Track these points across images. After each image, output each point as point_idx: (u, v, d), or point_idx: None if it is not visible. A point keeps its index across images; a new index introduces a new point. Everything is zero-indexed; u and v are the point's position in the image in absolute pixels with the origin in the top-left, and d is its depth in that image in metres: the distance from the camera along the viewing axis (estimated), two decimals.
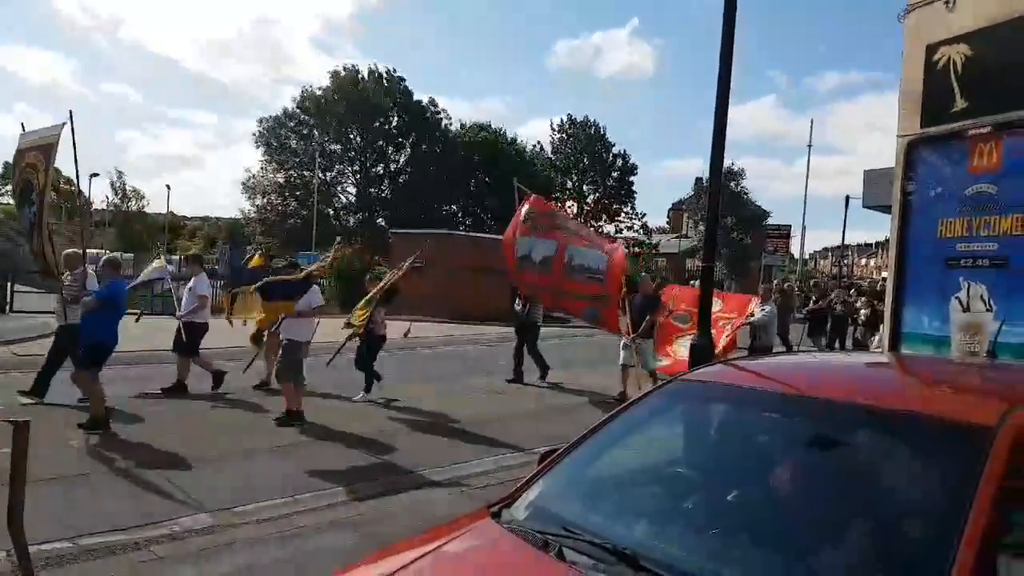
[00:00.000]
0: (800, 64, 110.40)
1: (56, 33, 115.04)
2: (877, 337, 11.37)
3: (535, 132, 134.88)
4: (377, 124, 43.71)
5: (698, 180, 46.86)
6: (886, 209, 6.77)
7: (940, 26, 5.42)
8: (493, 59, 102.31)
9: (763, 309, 11.23)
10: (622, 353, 10.63)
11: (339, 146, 44.29)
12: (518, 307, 12.07)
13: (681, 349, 11.06)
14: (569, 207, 48.02)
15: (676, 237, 48.80)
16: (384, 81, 44.13)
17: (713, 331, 10.76)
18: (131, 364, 11.43)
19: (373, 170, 45.11)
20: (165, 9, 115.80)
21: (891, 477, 2.43)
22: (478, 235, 31.93)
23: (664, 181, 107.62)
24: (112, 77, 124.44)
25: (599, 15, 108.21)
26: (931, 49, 5.44)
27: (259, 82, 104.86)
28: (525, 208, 10.80)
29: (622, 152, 47.41)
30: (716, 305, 11.62)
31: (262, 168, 45.17)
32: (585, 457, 2.81)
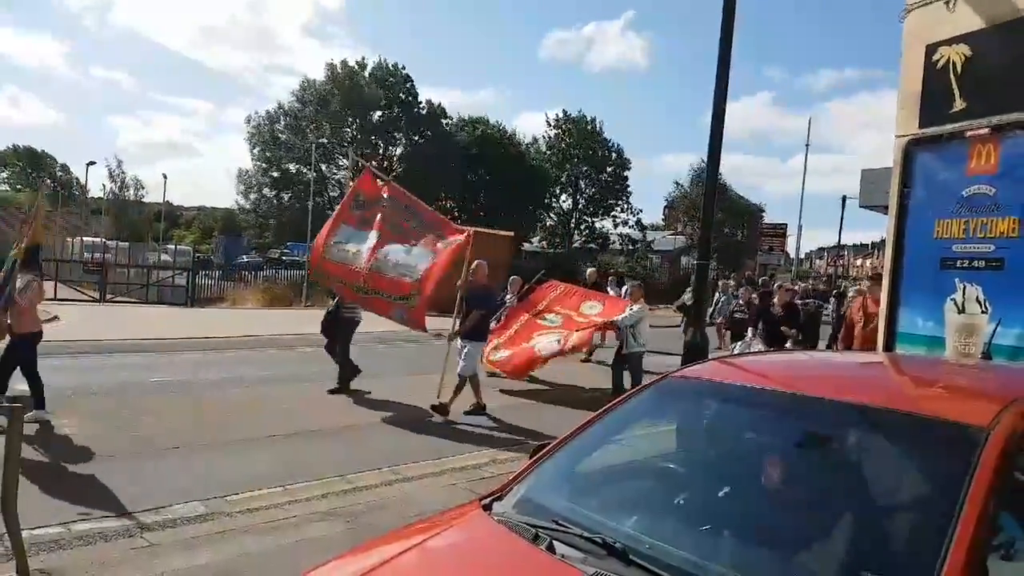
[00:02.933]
0: (796, 61, 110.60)
1: (47, 16, 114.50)
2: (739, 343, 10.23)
3: (527, 125, 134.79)
4: (372, 118, 43.57)
5: (676, 184, 47.21)
6: (883, 209, 6.79)
7: (940, 26, 5.41)
8: (485, 49, 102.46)
9: (631, 309, 10.26)
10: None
11: (334, 140, 44.11)
12: (331, 302, 10.32)
13: (538, 343, 10.57)
14: (564, 201, 47.93)
15: (671, 234, 48.79)
16: (385, 72, 43.97)
17: (576, 333, 10.50)
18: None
19: (369, 163, 45.06)
20: None
21: (883, 476, 2.43)
22: (472, 228, 31.90)
23: (659, 176, 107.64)
24: (103, 62, 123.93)
25: (593, 6, 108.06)
26: (931, 49, 5.43)
27: (251, 69, 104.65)
28: (357, 190, 9.60)
29: (616, 146, 47.36)
30: (594, 308, 11.31)
31: (255, 163, 44.96)
32: (577, 451, 2.82)
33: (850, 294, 13.45)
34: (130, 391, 8.84)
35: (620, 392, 9.64)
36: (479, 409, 8.76)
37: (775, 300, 10.02)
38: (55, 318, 15.91)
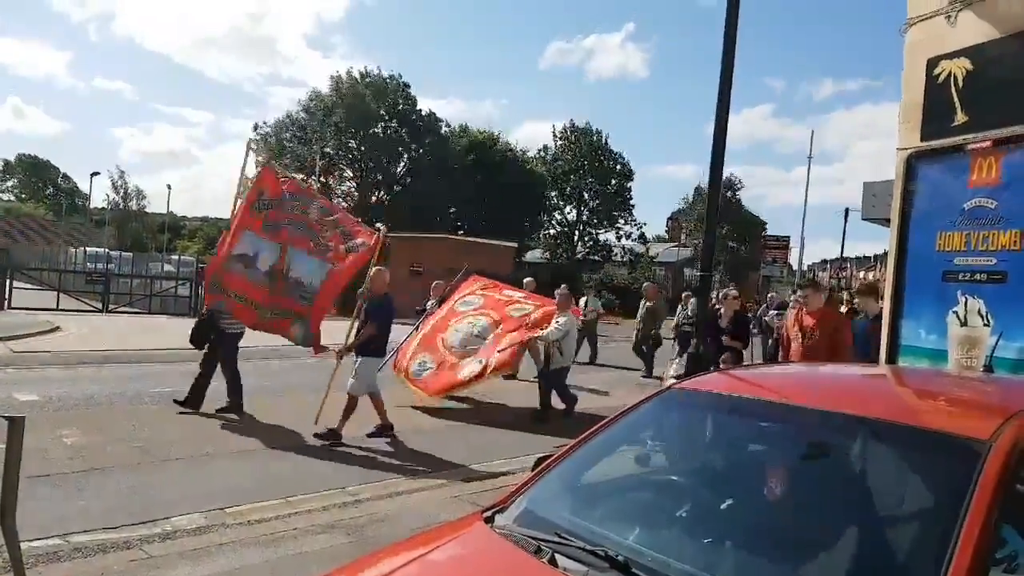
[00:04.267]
0: (797, 72, 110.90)
1: (49, 27, 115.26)
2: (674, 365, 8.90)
3: (530, 135, 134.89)
4: (376, 130, 43.74)
5: (697, 189, 46.84)
6: (885, 222, 6.80)
7: (941, 40, 5.44)
8: (487, 60, 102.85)
9: (557, 322, 9.39)
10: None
11: (339, 151, 44.27)
12: (203, 311, 9.13)
13: (462, 365, 9.56)
14: (568, 212, 47.96)
15: (674, 246, 48.82)
16: (387, 85, 44.14)
17: (497, 354, 9.40)
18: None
19: (373, 176, 45.16)
20: (158, 4, 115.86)
21: (885, 489, 2.43)
22: (473, 239, 32.00)
23: (661, 187, 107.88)
24: (105, 72, 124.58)
25: (594, 19, 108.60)
26: (932, 63, 5.46)
27: (253, 80, 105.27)
28: (259, 189, 8.41)
29: (620, 158, 47.47)
30: (523, 310, 10.24)
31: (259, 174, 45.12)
32: (579, 463, 2.81)
33: (791, 305, 11.86)
34: (131, 401, 8.84)
35: (547, 410, 9.49)
36: (384, 430, 7.92)
37: (721, 311, 9.14)
38: (57, 328, 15.98)
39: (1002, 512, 1.88)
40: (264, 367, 11.72)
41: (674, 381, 6.52)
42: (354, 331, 7.96)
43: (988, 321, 4.77)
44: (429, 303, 11.67)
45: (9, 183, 76.89)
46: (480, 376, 9.39)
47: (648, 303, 14.79)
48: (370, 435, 7.80)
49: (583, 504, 2.70)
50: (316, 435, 7.51)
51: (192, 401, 8.43)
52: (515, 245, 33.55)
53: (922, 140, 5.50)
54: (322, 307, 7.95)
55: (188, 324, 9.45)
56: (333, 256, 7.98)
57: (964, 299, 4.92)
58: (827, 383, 3.16)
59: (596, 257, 46.88)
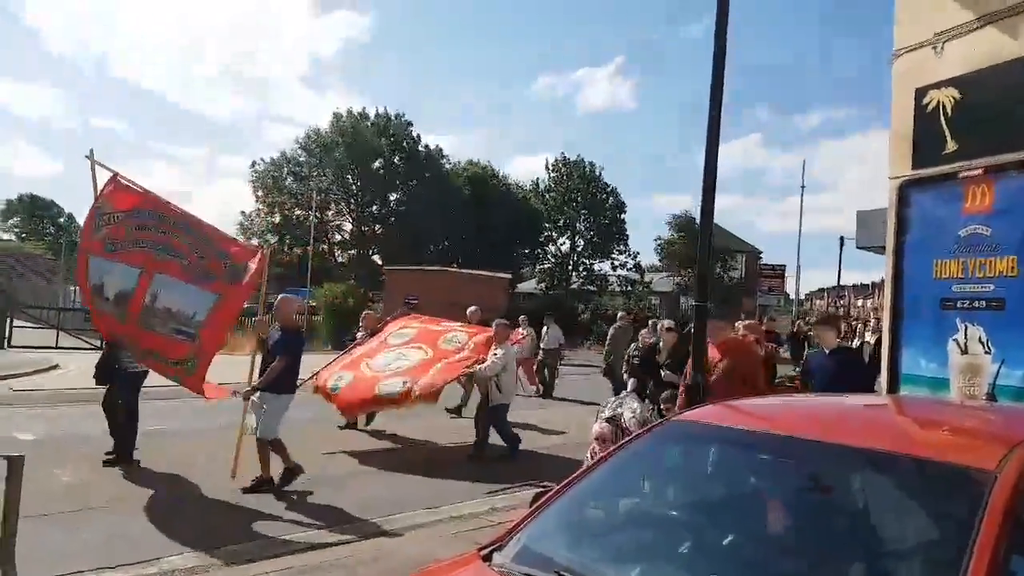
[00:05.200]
0: (786, 101, 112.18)
1: (46, 69, 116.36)
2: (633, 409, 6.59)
3: (520, 167, 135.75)
4: (375, 166, 44.13)
5: (666, 233, 46.28)
6: (880, 250, 6.80)
7: (929, 70, 5.51)
8: (476, 94, 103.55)
9: (495, 355, 8.64)
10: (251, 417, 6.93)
11: (336, 186, 44.59)
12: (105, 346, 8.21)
13: (382, 382, 8.63)
14: (561, 244, 48.14)
15: (668, 276, 48.85)
16: (386, 121, 44.66)
17: (423, 379, 8.52)
18: None
19: (368, 209, 45.40)
20: (154, 45, 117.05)
21: (889, 521, 2.39)
22: (468, 271, 32.06)
23: (654, 217, 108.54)
24: (102, 112, 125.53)
25: (583, 53, 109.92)
26: (920, 92, 5.52)
27: (248, 118, 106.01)
28: (99, 204, 7.20)
29: (613, 190, 47.82)
30: (455, 341, 9.47)
31: (257, 209, 45.36)
32: (578, 498, 2.77)
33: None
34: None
35: (482, 449, 8.72)
36: (291, 475, 6.98)
37: (659, 343, 8.55)
38: (56, 366, 15.86)
39: (1010, 543, 1.84)
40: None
41: (605, 426, 6.25)
42: (257, 367, 7.06)
43: (989, 349, 4.75)
44: (359, 334, 10.96)
45: (10, 222, 77.17)
46: (401, 400, 8.42)
47: (616, 326, 14.01)
48: (278, 483, 6.88)
49: (582, 540, 2.65)
50: (244, 489, 6.70)
51: (123, 452, 7.45)
52: (509, 276, 33.58)
53: (913, 168, 5.54)
54: (215, 342, 6.91)
55: None
56: (218, 285, 6.79)
57: (964, 327, 4.90)
58: (829, 414, 3.12)
59: (591, 287, 46.92)
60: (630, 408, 6.66)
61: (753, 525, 2.56)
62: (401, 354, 9.31)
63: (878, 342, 12.41)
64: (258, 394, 6.87)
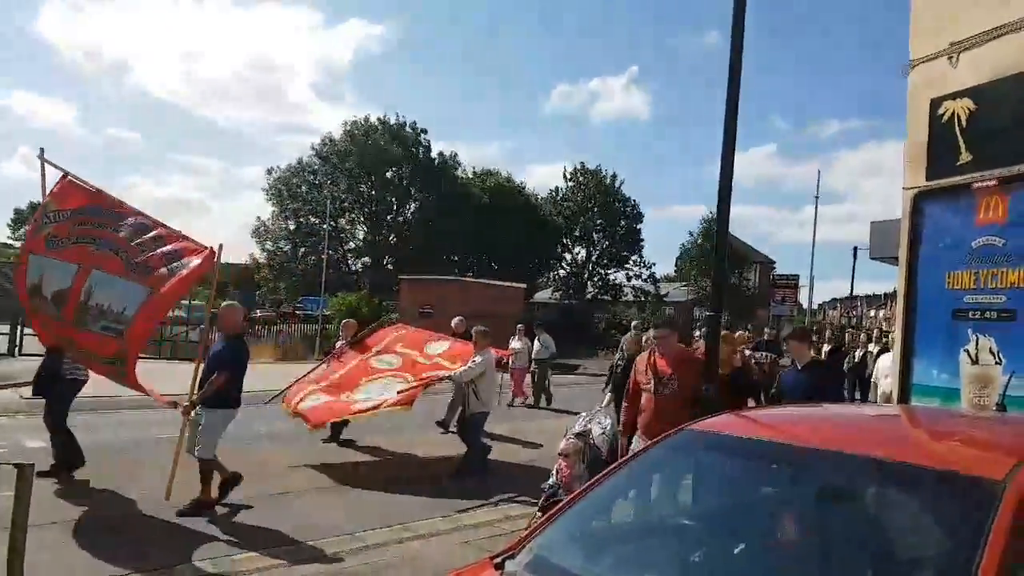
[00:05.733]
0: (801, 111, 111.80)
1: (60, 79, 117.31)
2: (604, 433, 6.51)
3: (535, 177, 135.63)
4: (389, 175, 44.36)
5: (690, 233, 46.56)
6: (893, 260, 6.78)
7: (943, 81, 5.51)
8: (491, 103, 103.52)
9: (473, 361, 8.40)
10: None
11: (350, 194, 44.85)
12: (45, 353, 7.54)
13: (358, 397, 8.52)
14: (577, 253, 48.18)
15: (683, 286, 48.77)
16: (399, 128, 44.90)
17: (400, 386, 8.34)
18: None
19: (383, 219, 45.62)
20: (169, 55, 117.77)
21: (900, 531, 2.40)
22: (484, 281, 32.11)
23: (669, 227, 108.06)
24: (116, 122, 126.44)
25: (597, 63, 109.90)
26: (935, 103, 5.53)
27: (262, 129, 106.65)
28: (46, 203, 6.95)
29: (631, 200, 47.83)
30: (439, 347, 9.47)
31: (273, 216, 45.68)
32: (591, 507, 2.79)
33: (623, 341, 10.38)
34: (139, 448, 8.81)
35: (474, 461, 8.27)
36: (229, 485, 6.58)
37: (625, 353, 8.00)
38: None
39: (1019, 553, 1.86)
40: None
41: (572, 442, 5.98)
42: (198, 378, 6.59)
43: (1000, 359, 4.74)
44: (339, 343, 10.55)
45: (20, 231, 77.92)
46: (373, 409, 8.17)
47: (629, 335, 13.60)
48: (182, 512, 6.19)
49: (595, 550, 2.68)
50: (180, 512, 6.17)
51: (62, 465, 7.13)
52: (524, 286, 33.61)
53: (928, 179, 5.54)
54: (137, 338, 6.49)
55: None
56: (155, 280, 6.39)
57: (975, 337, 4.89)
58: (841, 424, 3.14)
59: (606, 297, 46.90)
60: (599, 424, 6.45)
61: (766, 535, 2.58)
62: (385, 383, 8.83)
63: (882, 350, 12.38)
64: (198, 408, 6.46)
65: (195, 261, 6.47)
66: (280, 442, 9.41)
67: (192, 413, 6.48)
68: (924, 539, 2.33)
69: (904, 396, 5.43)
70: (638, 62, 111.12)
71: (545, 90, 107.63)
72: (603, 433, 6.32)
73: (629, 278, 47.94)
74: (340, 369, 9.49)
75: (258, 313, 40.10)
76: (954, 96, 5.40)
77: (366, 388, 8.81)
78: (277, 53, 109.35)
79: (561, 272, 48.58)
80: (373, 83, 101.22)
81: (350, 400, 8.58)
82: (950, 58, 5.51)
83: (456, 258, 45.45)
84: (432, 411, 9.48)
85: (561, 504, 2.78)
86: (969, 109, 5.30)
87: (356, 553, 5.59)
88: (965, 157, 5.28)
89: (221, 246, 6.63)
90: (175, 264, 6.45)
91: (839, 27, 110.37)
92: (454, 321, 11.57)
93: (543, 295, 47.54)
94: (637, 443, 5.55)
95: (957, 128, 5.36)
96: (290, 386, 9.24)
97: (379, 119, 45.33)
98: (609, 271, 48.05)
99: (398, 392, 8.29)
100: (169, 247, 6.58)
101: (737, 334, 8.99)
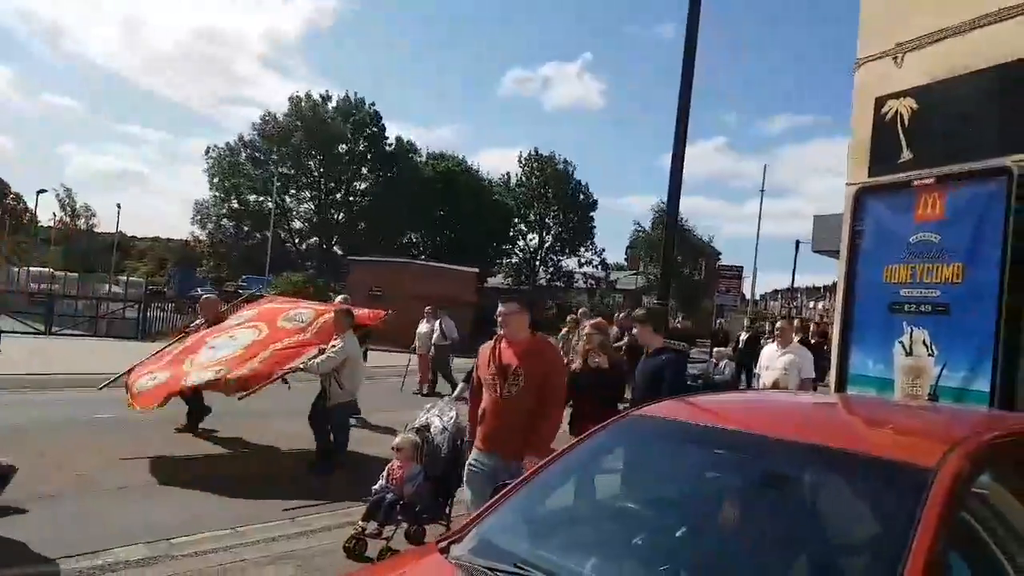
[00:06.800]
0: (750, 106, 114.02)
1: None
2: None
3: (488, 161, 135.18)
4: (337, 151, 43.54)
5: (636, 223, 47.37)
6: (835, 254, 6.97)
7: (888, 80, 5.66)
8: (444, 85, 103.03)
9: (333, 347, 7.27)
10: None
11: (296, 171, 43.93)
12: None
13: (194, 371, 7.29)
14: (531, 239, 48.32)
15: (633, 274, 49.41)
16: (351, 107, 44.07)
17: (248, 364, 7.16)
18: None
19: (331, 196, 44.86)
20: (109, 21, 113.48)
21: (835, 516, 2.47)
22: (436, 264, 31.92)
23: (619, 216, 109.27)
24: (52, 88, 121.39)
25: (551, 47, 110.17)
26: (879, 102, 5.67)
27: (207, 100, 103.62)
28: None
29: (585, 187, 48.08)
30: (301, 318, 8.11)
31: (213, 195, 44.42)
32: (537, 492, 2.80)
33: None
34: (73, 428, 8.53)
35: (329, 457, 7.33)
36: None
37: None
38: None
39: (947, 539, 1.93)
40: None
41: (407, 438, 5.20)
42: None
43: (932, 351, 4.91)
44: (198, 322, 9.34)
45: None
46: (214, 386, 7.21)
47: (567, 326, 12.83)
48: None
49: (540, 533, 2.69)
50: None
51: None
52: (477, 271, 33.56)
53: (870, 176, 5.70)
54: None
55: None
56: None
57: (909, 330, 5.06)
58: (780, 412, 3.21)
59: (558, 283, 47.19)
60: (443, 417, 5.54)
61: (705, 518, 2.63)
62: (232, 337, 7.89)
63: (752, 338, 12.51)
64: None
65: None
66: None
67: None
68: (859, 523, 2.40)
69: (841, 384, 5.59)
70: (592, 49, 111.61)
71: (499, 73, 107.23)
72: (445, 429, 5.43)
73: (581, 264, 48.34)
74: (187, 342, 8.35)
75: (199, 291, 39.20)
76: (898, 95, 5.55)
77: (211, 344, 7.79)
78: (224, 23, 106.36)
79: (513, 259, 48.68)
80: (324, 57, 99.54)
81: (187, 374, 7.29)
82: (895, 58, 5.66)
83: (411, 239, 45.06)
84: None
85: (508, 488, 2.78)
86: (912, 108, 5.46)
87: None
88: (907, 155, 5.44)
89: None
90: None
91: (790, 22, 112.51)
92: (339, 299, 10.21)
93: (496, 280, 47.59)
94: (475, 455, 4.31)
95: (900, 126, 5.52)
96: (131, 369, 8.04)
97: (321, 95, 44.36)
98: (561, 258, 48.36)
99: (246, 351, 7.21)
100: None
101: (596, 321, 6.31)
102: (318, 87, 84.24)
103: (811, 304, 58.01)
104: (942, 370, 4.39)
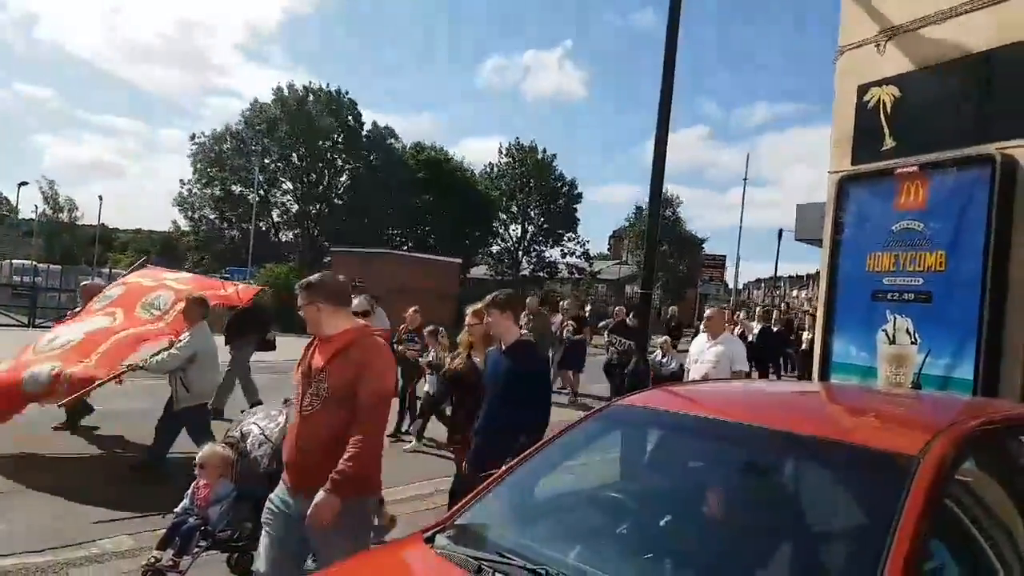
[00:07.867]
0: (731, 95, 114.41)
1: None
2: None
3: (469, 151, 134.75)
4: (321, 143, 43.25)
5: (638, 208, 47.51)
6: (818, 243, 6.99)
7: (871, 68, 5.66)
8: (423, 73, 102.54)
9: (180, 340, 6.34)
10: None
11: (280, 163, 43.60)
12: None
13: (32, 365, 6.27)
14: (513, 231, 48.28)
15: (616, 264, 49.51)
16: (330, 101, 43.75)
17: (82, 364, 6.21)
18: None
19: (314, 188, 44.58)
20: (85, 9, 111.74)
21: (818, 503, 2.48)
22: (419, 255, 31.82)
23: (601, 206, 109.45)
24: (26, 77, 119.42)
25: (530, 35, 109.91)
26: (862, 90, 5.68)
27: (186, 90, 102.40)
28: None
29: (570, 178, 48.05)
30: (161, 301, 7.20)
31: (197, 183, 44.01)
32: (521, 481, 2.79)
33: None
34: (56, 421, 8.43)
35: (158, 461, 6.33)
36: None
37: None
38: None
39: (931, 526, 1.93)
40: None
41: (214, 449, 4.28)
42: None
43: (915, 339, 4.94)
44: (76, 309, 8.38)
45: None
46: (49, 394, 6.23)
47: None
48: None
49: (525, 523, 2.68)
50: None
51: None
52: (459, 261, 33.48)
53: (853, 164, 5.71)
54: None
55: None
56: None
57: (893, 318, 5.09)
58: (765, 400, 3.22)
59: (541, 274, 47.16)
60: (267, 424, 4.44)
61: (690, 507, 2.63)
62: (86, 322, 7.12)
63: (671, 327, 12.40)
64: None
65: None
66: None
67: None
68: (843, 511, 2.40)
69: (824, 373, 5.62)
70: (571, 36, 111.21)
71: (478, 62, 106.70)
72: (266, 439, 4.33)
73: (564, 255, 48.32)
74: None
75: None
76: (880, 83, 5.56)
77: (58, 331, 7.12)
78: (201, 12, 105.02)
79: (495, 248, 48.58)
80: (302, 47, 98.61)
81: (26, 363, 6.42)
82: (877, 46, 5.66)
83: (393, 231, 44.85)
84: None
85: (493, 477, 2.77)
86: (894, 96, 5.47)
87: None
88: (889, 143, 5.45)
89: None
90: None
91: (772, 11, 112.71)
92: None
93: (479, 271, 47.51)
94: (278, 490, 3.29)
95: (882, 115, 5.52)
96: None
97: (305, 87, 43.96)
98: (544, 248, 48.30)
99: (87, 339, 6.47)
100: None
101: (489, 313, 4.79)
102: (296, 76, 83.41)
103: (794, 293, 58.42)
104: (925, 358, 4.41)
